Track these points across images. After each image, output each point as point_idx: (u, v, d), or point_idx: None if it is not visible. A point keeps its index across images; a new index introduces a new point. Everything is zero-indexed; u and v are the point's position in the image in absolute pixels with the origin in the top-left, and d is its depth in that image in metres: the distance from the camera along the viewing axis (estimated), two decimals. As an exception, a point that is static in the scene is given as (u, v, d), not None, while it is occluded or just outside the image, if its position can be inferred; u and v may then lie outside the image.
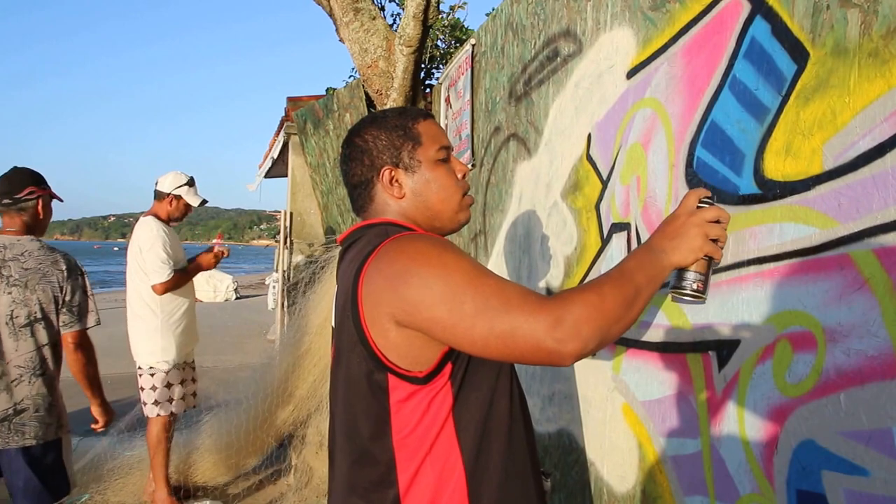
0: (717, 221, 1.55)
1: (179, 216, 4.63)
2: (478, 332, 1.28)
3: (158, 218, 4.53)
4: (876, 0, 1.35)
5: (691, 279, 1.55)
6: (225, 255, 4.85)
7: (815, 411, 1.45)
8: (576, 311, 1.27)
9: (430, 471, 1.38)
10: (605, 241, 2.42)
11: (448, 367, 1.39)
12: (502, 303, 1.28)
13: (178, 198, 4.57)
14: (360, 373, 1.41)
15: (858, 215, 1.37)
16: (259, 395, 4.82)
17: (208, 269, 4.72)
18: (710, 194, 1.58)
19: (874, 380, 1.32)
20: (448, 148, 1.62)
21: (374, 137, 1.57)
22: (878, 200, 1.33)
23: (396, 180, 1.55)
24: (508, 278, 3.43)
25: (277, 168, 10.10)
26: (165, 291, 4.35)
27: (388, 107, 4.99)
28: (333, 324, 1.57)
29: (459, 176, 1.62)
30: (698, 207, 1.55)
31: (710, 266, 1.57)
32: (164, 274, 4.30)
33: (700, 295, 1.56)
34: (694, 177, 1.89)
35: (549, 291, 2.90)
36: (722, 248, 1.58)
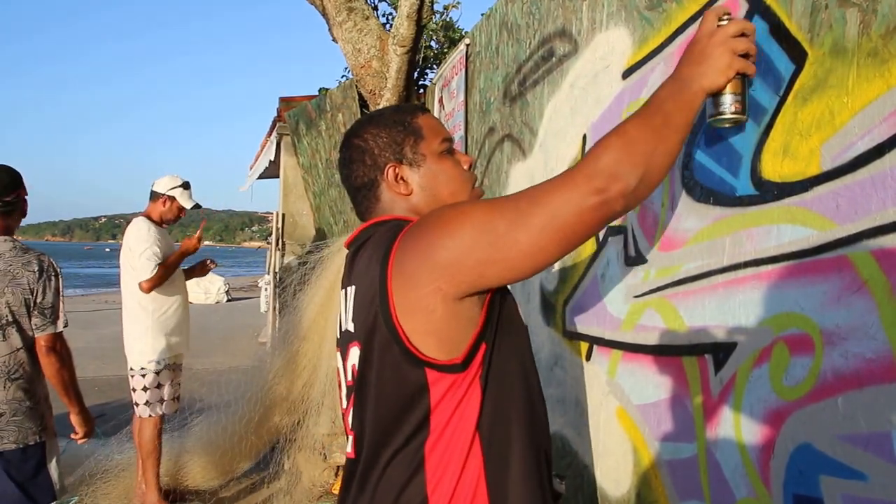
0: (743, 35, 1.43)
1: (172, 218, 4.64)
2: (524, 241, 1.25)
3: (150, 219, 4.54)
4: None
5: (728, 102, 1.47)
6: (212, 266, 4.95)
7: (813, 415, 1.44)
8: (603, 158, 1.25)
9: (453, 466, 1.34)
10: (600, 245, 2.40)
11: (482, 348, 1.34)
12: (528, 201, 1.26)
13: (172, 199, 4.58)
14: (396, 376, 1.34)
15: (857, 217, 1.36)
16: (250, 398, 4.79)
17: (192, 251, 4.71)
18: (729, 11, 1.46)
19: (873, 383, 1.31)
20: (450, 139, 1.57)
21: (374, 136, 1.52)
22: (876, 201, 1.32)
23: (402, 177, 1.50)
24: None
25: (269, 169, 10.07)
26: (151, 289, 4.34)
27: (380, 107, 4.97)
28: (350, 328, 1.48)
29: (465, 167, 1.57)
30: (718, 26, 1.43)
31: (745, 84, 1.50)
32: (148, 270, 4.29)
33: (740, 115, 1.49)
34: (690, 178, 1.87)
35: (543, 296, 2.89)
36: (754, 62, 1.47)
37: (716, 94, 1.46)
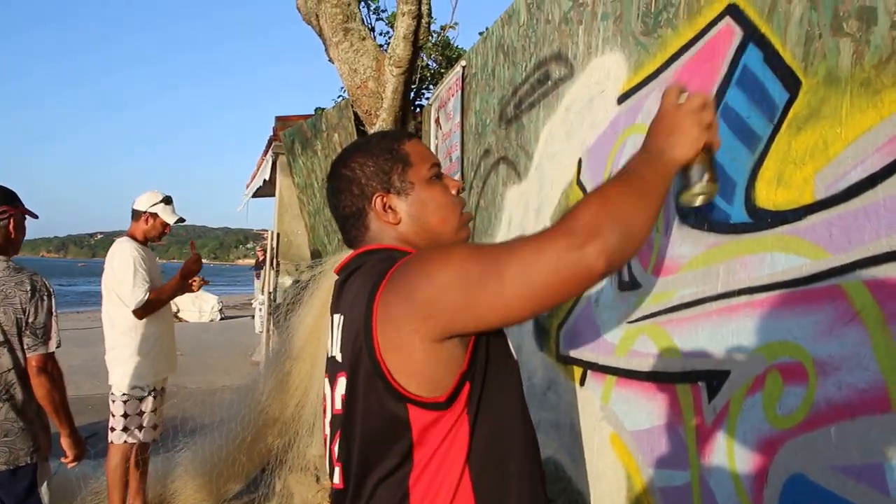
0: (705, 108, 1.43)
1: (157, 235, 4.47)
2: (492, 291, 1.21)
3: (135, 239, 4.38)
4: (868, 30, 1.35)
5: (699, 172, 1.46)
6: (206, 283, 4.81)
7: (806, 444, 1.43)
8: (583, 217, 1.21)
9: (441, 500, 1.32)
10: (594, 269, 2.39)
11: (466, 387, 1.33)
12: (506, 251, 1.22)
13: (154, 216, 4.40)
14: (380, 409, 1.33)
15: (850, 246, 1.36)
16: (242, 419, 4.74)
17: (194, 272, 4.52)
18: (685, 87, 1.48)
19: (865, 413, 1.31)
20: (438, 165, 1.55)
21: (361, 165, 1.50)
22: (869, 232, 1.32)
23: (390, 206, 1.49)
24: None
25: (265, 188, 10.08)
26: (145, 316, 4.20)
27: (377, 127, 4.97)
28: (338, 357, 1.46)
29: (454, 192, 1.55)
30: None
31: (712, 155, 1.48)
32: (139, 297, 4.14)
33: (713, 184, 1.47)
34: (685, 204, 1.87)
35: (537, 320, 2.88)
36: (715, 133, 1.45)
37: (686, 168, 1.45)
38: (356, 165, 1.51)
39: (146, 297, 4.15)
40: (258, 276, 18.98)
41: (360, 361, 1.34)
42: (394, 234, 1.50)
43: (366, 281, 1.37)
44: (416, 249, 1.46)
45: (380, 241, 1.50)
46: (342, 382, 1.42)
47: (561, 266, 1.19)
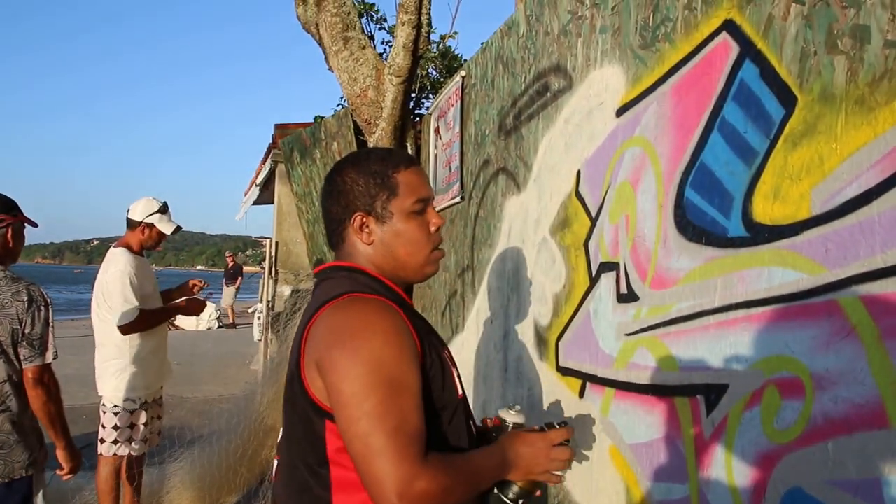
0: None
1: (153, 244, 4.38)
2: (351, 447, 1.32)
3: (130, 249, 4.28)
4: (862, 48, 1.36)
5: (516, 491, 1.54)
6: (203, 286, 4.75)
7: (803, 459, 1.44)
8: (427, 487, 1.28)
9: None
10: (593, 280, 2.41)
11: None
12: (385, 439, 1.28)
13: (151, 226, 4.29)
14: (303, 416, 1.44)
15: (846, 262, 1.37)
16: (239, 429, 4.72)
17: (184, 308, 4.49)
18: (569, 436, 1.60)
19: (862, 429, 1.31)
20: (425, 200, 1.61)
21: (353, 181, 1.57)
22: (865, 247, 1.33)
23: (367, 227, 1.56)
24: (493, 317, 3.42)
25: (264, 195, 10.09)
26: (129, 333, 4.10)
27: (376, 136, 4.99)
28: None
29: (433, 229, 1.61)
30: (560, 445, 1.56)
31: (536, 488, 1.58)
32: (128, 315, 4.04)
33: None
34: (683, 217, 1.89)
35: (537, 331, 2.89)
36: (557, 475, 1.58)
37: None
38: (349, 179, 1.58)
39: (133, 319, 4.05)
40: (227, 284, 19.03)
41: (293, 370, 1.47)
42: (364, 253, 1.58)
43: (317, 299, 1.51)
44: (381, 273, 1.58)
45: (350, 256, 1.60)
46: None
47: (383, 491, 1.27)
